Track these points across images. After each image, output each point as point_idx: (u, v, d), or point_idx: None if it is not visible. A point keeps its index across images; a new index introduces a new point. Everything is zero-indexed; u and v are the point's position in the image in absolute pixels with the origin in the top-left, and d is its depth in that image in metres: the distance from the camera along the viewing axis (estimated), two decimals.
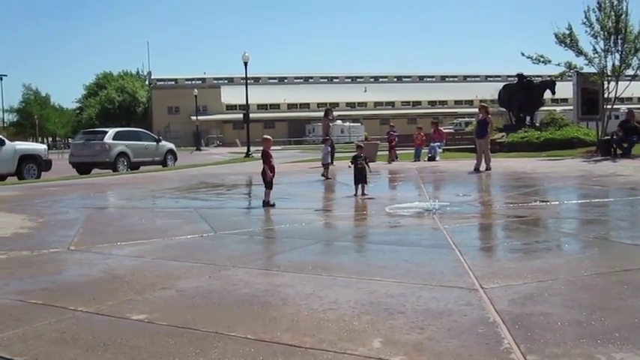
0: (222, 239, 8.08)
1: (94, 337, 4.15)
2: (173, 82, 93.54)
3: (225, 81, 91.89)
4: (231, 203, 12.91)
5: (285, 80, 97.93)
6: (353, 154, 12.66)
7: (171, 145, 30.28)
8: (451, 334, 4.01)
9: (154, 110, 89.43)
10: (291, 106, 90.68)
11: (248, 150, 38.90)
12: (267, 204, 10.83)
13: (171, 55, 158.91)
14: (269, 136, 11.59)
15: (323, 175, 16.56)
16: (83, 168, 25.97)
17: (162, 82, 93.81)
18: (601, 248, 6.96)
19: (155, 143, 28.72)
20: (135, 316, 4.62)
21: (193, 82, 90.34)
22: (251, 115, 44.84)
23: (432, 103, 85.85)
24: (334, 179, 16.27)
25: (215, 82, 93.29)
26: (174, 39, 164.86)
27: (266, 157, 11.14)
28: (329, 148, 18.01)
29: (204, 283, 5.61)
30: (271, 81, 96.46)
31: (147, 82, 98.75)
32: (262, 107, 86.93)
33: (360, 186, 11.95)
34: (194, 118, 71.63)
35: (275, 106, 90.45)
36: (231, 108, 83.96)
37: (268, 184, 11.02)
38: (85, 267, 6.59)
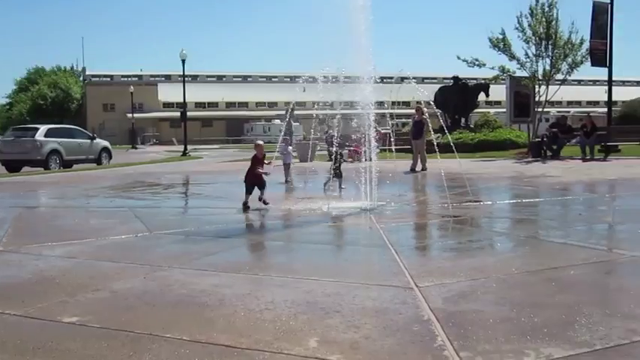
0: (157, 239, 7.96)
1: (23, 341, 4.02)
2: (108, 79, 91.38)
3: (163, 78, 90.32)
4: (167, 202, 12.74)
5: (224, 79, 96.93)
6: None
7: (105, 143, 29.63)
8: (386, 332, 4.06)
9: (89, 107, 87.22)
10: (230, 105, 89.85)
11: (185, 149, 38.44)
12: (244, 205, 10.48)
13: (107, 51, 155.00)
14: (261, 142, 11.53)
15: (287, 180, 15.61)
16: (13, 166, 25.12)
17: (97, 79, 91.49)
18: (531, 247, 7.18)
19: (89, 141, 28.04)
20: (66, 318, 4.50)
21: (129, 78, 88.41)
22: (189, 114, 44.31)
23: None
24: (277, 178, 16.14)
25: (152, 79, 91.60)
26: (110, 34, 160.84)
27: (253, 162, 10.98)
28: (290, 148, 17.36)
29: (139, 284, 5.51)
30: (210, 79, 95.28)
31: (81, 78, 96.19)
32: (200, 105, 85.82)
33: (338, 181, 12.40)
34: (130, 115, 70.24)
35: (213, 105, 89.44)
36: (168, 106, 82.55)
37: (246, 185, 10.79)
38: (14, 268, 6.39)
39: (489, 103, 44.94)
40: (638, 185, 12.90)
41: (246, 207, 10.37)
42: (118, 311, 4.67)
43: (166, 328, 4.18)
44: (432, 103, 26.35)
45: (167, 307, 4.78)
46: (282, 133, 16.11)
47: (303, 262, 6.56)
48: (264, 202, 10.50)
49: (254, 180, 10.74)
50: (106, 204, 12.19)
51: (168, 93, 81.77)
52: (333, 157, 12.68)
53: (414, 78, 12.70)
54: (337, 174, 12.41)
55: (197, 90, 79.54)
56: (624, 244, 7.15)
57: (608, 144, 21.76)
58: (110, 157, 29.06)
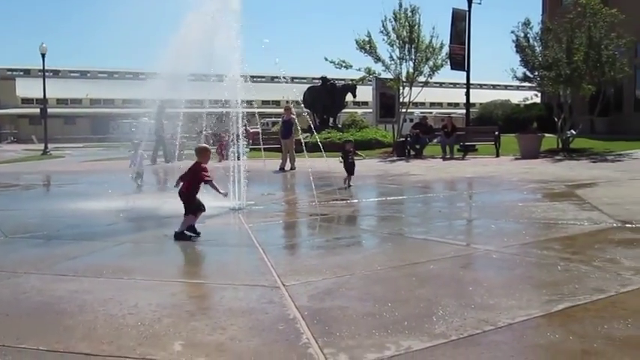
0: (12, 244, 7.54)
1: None
2: None
3: (21, 73, 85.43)
4: (25, 204, 12.06)
5: (88, 74, 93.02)
6: None
7: None
8: (252, 332, 4.07)
9: None
10: (95, 102, 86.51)
11: (46, 147, 36.60)
12: (180, 235, 7.55)
13: None
14: (207, 146, 8.54)
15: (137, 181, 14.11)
16: None
17: None
18: (395, 243, 7.45)
19: None
20: None
21: None
22: (50, 110, 42.33)
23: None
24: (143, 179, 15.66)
25: (9, 73, 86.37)
26: None
27: (196, 173, 7.86)
28: (141, 152, 15.09)
29: None
30: (73, 74, 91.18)
31: None
32: (62, 102, 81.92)
33: (348, 177, 12.91)
34: None
35: (77, 101, 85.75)
36: (27, 102, 78.16)
37: (189, 208, 7.76)
38: None
39: (357, 104, 46.08)
40: (492, 183, 13.69)
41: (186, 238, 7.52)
42: None
43: (21, 339, 3.97)
44: (301, 102, 26.77)
45: (22, 315, 4.53)
46: (154, 133, 15.52)
47: (170, 264, 6.45)
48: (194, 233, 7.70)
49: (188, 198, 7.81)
50: None
51: (28, 88, 77.38)
52: (342, 154, 13.28)
53: (283, 78, 12.76)
54: (348, 169, 12.98)
55: (59, 86, 76.03)
56: (479, 239, 7.59)
57: (467, 144, 22.94)
58: None
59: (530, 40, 22.13)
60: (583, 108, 24.96)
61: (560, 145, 21.53)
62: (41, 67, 38.54)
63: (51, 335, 4.05)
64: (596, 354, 3.63)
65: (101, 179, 16.31)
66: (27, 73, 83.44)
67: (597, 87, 21.67)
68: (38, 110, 44.28)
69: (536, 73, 22.23)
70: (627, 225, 7.67)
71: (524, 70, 22.48)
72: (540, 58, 21.77)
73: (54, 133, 51.93)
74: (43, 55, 36.95)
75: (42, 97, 40.49)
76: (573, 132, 21.75)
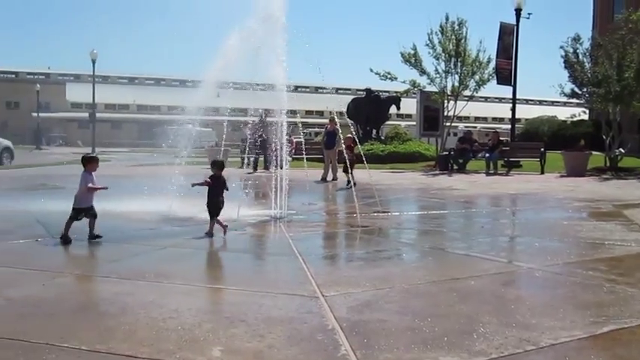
0: (59, 245, 7.66)
1: None
2: (13, 76, 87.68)
3: (72, 78, 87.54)
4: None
5: (136, 81, 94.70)
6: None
7: (7, 143, 28.35)
8: (291, 341, 4.07)
9: None
10: (141, 108, 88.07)
11: (93, 151, 37.35)
12: None
13: (13, 47, 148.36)
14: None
15: None
16: None
17: (0, 75, 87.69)
18: (435, 258, 7.37)
19: None
20: None
21: (36, 76, 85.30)
22: (98, 115, 43.24)
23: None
24: None
25: (60, 78, 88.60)
26: (16, 30, 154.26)
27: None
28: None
29: (37, 291, 5.30)
30: (121, 80, 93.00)
31: None
32: (110, 107, 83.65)
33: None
34: (35, 114, 67.68)
35: (124, 107, 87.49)
36: (76, 106, 79.99)
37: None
38: None
39: (400, 116, 45.90)
40: (536, 200, 13.48)
41: None
42: (13, 320, 4.48)
43: (65, 338, 4.04)
44: (345, 113, 26.79)
45: (66, 315, 4.63)
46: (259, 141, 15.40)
47: (210, 271, 6.51)
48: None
49: None
50: (6, 206, 11.63)
51: (77, 93, 79.30)
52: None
53: (327, 88, 12.78)
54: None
55: (107, 91, 77.52)
56: (522, 257, 7.45)
57: (511, 159, 22.63)
58: (12, 158, 27.85)
59: (580, 56, 21.77)
60: (632, 126, 24.43)
61: (608, 164, 21.08)
62: (91, 73, 39.47)
63: (93, 335, 4.11)
64: None
65: (146, 183, 16.53)
66: (77, 78, 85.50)
67: None
68: (87, 114, 45.34)
69: (585, 90, 21.83)
70: None
71: (573, 86, 22.12)
72: (589, 75, 21.38)
73: (101, 137, 52.98)
74: (94, 61, 37.84)
75: (91, 101, 41.42)
76: (622, 150, 21.29)
